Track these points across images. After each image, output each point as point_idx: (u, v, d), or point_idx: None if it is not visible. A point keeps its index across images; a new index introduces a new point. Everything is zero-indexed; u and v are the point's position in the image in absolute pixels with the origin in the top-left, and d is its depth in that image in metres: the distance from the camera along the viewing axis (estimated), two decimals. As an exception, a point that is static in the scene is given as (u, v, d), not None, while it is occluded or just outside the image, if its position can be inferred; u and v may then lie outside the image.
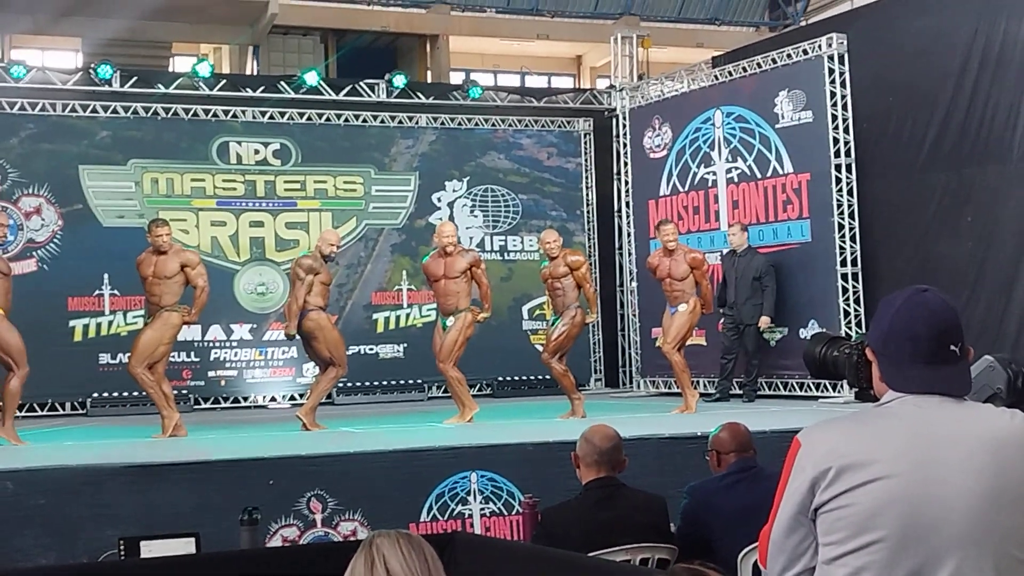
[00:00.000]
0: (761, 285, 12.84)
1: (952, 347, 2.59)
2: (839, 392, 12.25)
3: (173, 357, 11.83)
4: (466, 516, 8.18)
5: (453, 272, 10.96)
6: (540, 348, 11.70)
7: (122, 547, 5.83)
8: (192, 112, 14.57)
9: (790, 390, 13.12)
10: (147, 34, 17.65)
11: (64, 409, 13.57)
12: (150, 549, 5.75)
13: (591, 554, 4.70)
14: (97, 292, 13.88)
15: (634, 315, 15.56)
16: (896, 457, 2.47)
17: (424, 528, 7.84)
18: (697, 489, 5.42)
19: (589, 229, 16.18)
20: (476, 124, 15.82)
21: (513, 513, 8.20)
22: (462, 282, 10.99)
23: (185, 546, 5.83)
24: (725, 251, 13.41)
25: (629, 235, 15.64)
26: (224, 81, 15.10)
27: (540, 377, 14.64)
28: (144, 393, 10.57)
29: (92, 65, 14.47)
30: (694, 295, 11.57)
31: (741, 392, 12.99)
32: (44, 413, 13.23)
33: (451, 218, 14.92)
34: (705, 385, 13.45)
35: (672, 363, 11.68)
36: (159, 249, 10.35)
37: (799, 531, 2.57)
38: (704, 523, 5.20)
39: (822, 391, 12.67)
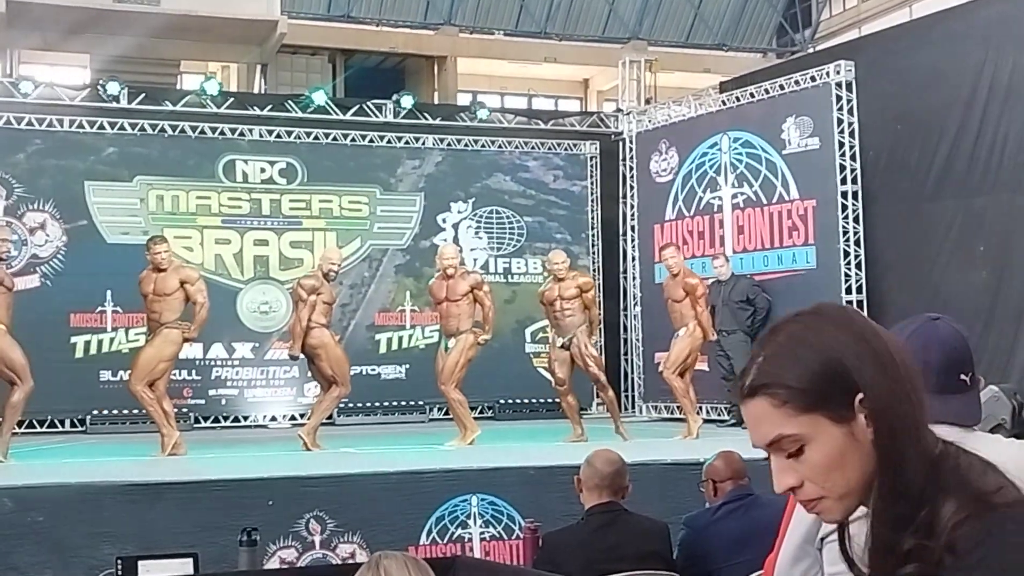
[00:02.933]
0: (751, 305, 12.91)
1: (962, 376, 2.55)
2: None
3: (174, 375, 11.79)
4: (466, 540, 8.12)
5: (455, 294, 11.00)
6: (595, 372, 11.64)
7: (120, 567, 5.79)
8: (199, 130, 14.53)
9: (793, 417, 13.01)
10: (156, 52, 17.69)
11: (63, 426, 13.52)
12: (148, 569, 5.72)
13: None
14: (99, 309, 13.83)
15: (637, 340, 15.50)
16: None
17: (423, 551, 7.77)
18: (694, 519, 5.39)
19: (594, 252, 16.11)
20: (482, 146, 15.78)
21: (513, 537, 8.14)
22: (464, 304, 11.01)
23: (183, 566, 5.81)
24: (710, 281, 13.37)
25: (634, 259, 15.59)
26: (232, 99, 15.07)
27: (542, 400, 14.59)
28: (144, 411, 10.54)
29: (100, 82, 14.46)
30: (694, 319, 11.55)
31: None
32: (43, 430, 13.14)
33: (456, 239, 14.89)
34: (708, 411, 13.39)
35: (672, 388, 11.66)
36: (157, 266, 10.39)
37: (805, 560, 2.54)
38: (703, 554, 5.17)
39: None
